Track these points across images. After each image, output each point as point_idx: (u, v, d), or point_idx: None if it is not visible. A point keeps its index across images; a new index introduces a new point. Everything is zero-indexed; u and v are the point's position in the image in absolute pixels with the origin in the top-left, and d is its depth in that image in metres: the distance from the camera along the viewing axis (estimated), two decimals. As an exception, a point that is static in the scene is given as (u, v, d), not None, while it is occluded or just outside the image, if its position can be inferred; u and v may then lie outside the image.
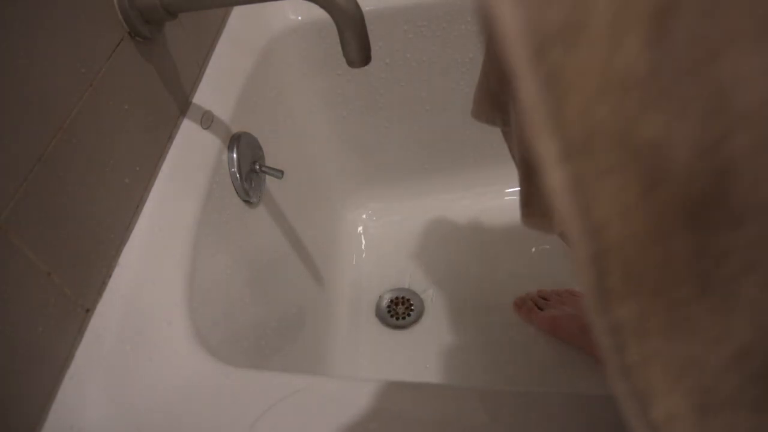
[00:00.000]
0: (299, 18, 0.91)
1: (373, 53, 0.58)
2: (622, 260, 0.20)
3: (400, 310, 0.98)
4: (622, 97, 0.19)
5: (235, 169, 0.70)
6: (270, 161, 0.80)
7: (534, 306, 0.92)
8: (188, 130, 0.68)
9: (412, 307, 0.99)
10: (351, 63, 0.56)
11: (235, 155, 0.70)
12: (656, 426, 0.22)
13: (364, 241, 1.11)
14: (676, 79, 0.18)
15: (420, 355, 0.93)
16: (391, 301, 1.00)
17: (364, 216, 1.14)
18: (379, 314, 0.98)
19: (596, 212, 0.19)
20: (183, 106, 0.69)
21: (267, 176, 0.78)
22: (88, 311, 0.50)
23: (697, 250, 0.20)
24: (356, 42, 0.55)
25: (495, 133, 1.16)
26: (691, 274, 0.20)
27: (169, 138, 0.65)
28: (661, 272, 0.20)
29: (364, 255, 1.09)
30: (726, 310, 0.20)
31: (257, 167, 0.75)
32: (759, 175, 0.19)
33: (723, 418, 0.21)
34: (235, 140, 0.71)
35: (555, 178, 0.19)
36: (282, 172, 0.76)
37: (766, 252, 0.20)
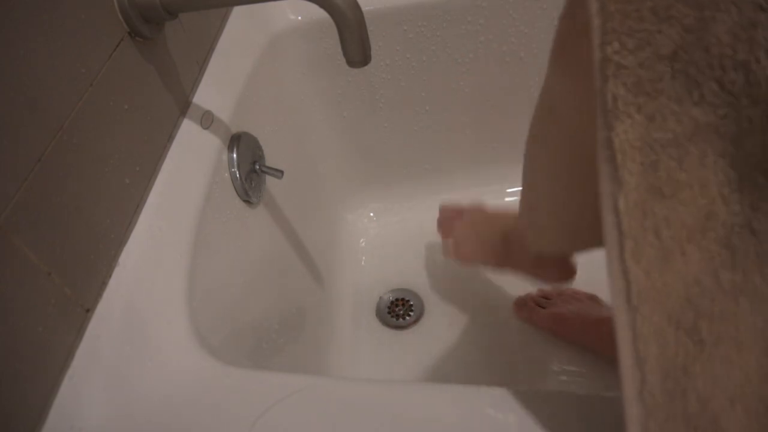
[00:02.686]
0: (299, 18, 0.91)
1: (373, 53, 0.58)
2: None
3: (400, 311, 0.98)
4: None
5: (235, 169, 0.70)
6: (270, 161, 0.80)
7: (535, 306, 0.92)
8: (188, 130, 0.67)
9: (412, 308, 0.99)
10: (351, 63, 0.56)
11: (235, 155, 0.70)
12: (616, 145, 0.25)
13: (364, 242, 1.11)
14: None
15: (420, 355, 0.93)
16: (391, 301, 1.00)
17: (364, 216, 1.14)
18: (379, 314, 0.98)
19: None
20: (183, 106, 0.69)
21: (267, 176, 0.78)
22: (88, 311, 0.50)
23: None
24: (356, 42, 0.55)
25: (495, 133, 1.17)
26: None
27: (169, 138, 0.65)
28: None
29: (364, 255, 1.09)
30: None
31: (257, 167, 0.75)
32: None
33: (654, 103, 0.24)
34: (235, 140, 0.71)
35: None
36: (282, 172, 0.76)
37: None
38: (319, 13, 0.56)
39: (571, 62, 0.36)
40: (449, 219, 0.90)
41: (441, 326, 0.96)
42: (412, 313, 0.98)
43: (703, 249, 0.24)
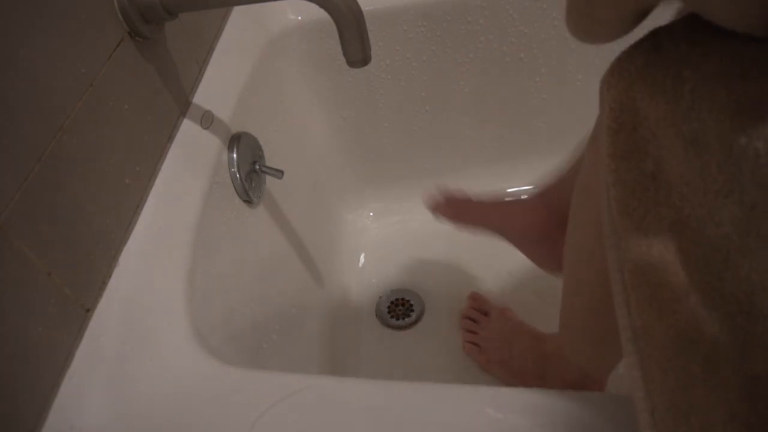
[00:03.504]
0: (299, 18, 0.91)
1: (373, 53, 0.58)
2: None
3: (400, 311, 0.98)
4: None
5: (235, 169, 0.70)
6: (270, 161, 0.80)
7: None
8: (188, 130, 0.67)
9: (412, 308, 0.99)
10: (351, 63, 0.56)
11: (235, 155, 0.70)
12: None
13: (363, 242, 1.11)
14: None
15: (420, 355, 0.93)
16: (391, 301, 1.00)
17: (364, 216, 1.14)
18: (379, 315, 0.98)
19: None
20: (183, 106, 0.69)
21: (267, 176, 0.78)
22: (88, 311, 0.50)
23: None
24: (356, 42, 0.55)
25: (495, 134, 1.16)
26: None
27: (169, 138, 0.65)
28: None
29: (363, 255, 1.09)
30: None
31: (257, 167, 0.75)
32: None
33: (645, 204, 0.35)
34: (235, 140, 0.71)
35: None
36: (282, 172, 0.76)
37: None
38: (319, 13, 0.56)
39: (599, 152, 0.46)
40: (454, 208, 0.82)
41: (441, 326, 0.96)
42: (412, 313, 0.98)
43: (687, 310, 0.31)
